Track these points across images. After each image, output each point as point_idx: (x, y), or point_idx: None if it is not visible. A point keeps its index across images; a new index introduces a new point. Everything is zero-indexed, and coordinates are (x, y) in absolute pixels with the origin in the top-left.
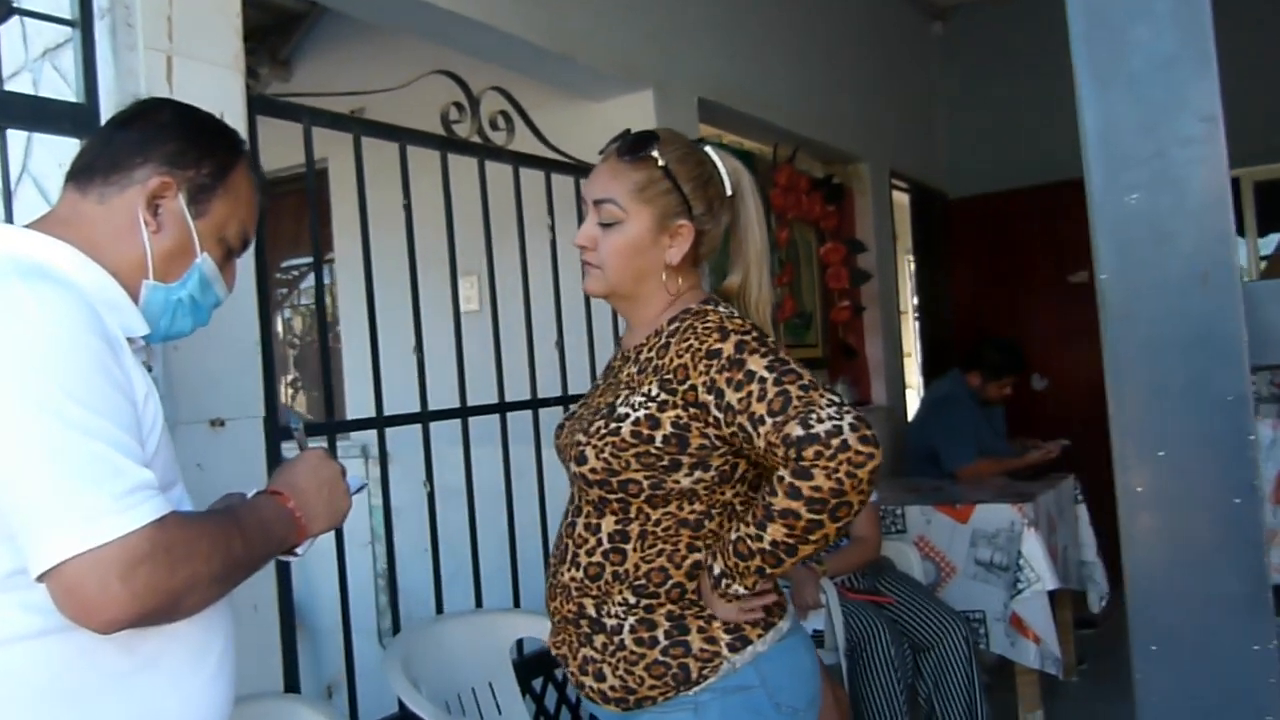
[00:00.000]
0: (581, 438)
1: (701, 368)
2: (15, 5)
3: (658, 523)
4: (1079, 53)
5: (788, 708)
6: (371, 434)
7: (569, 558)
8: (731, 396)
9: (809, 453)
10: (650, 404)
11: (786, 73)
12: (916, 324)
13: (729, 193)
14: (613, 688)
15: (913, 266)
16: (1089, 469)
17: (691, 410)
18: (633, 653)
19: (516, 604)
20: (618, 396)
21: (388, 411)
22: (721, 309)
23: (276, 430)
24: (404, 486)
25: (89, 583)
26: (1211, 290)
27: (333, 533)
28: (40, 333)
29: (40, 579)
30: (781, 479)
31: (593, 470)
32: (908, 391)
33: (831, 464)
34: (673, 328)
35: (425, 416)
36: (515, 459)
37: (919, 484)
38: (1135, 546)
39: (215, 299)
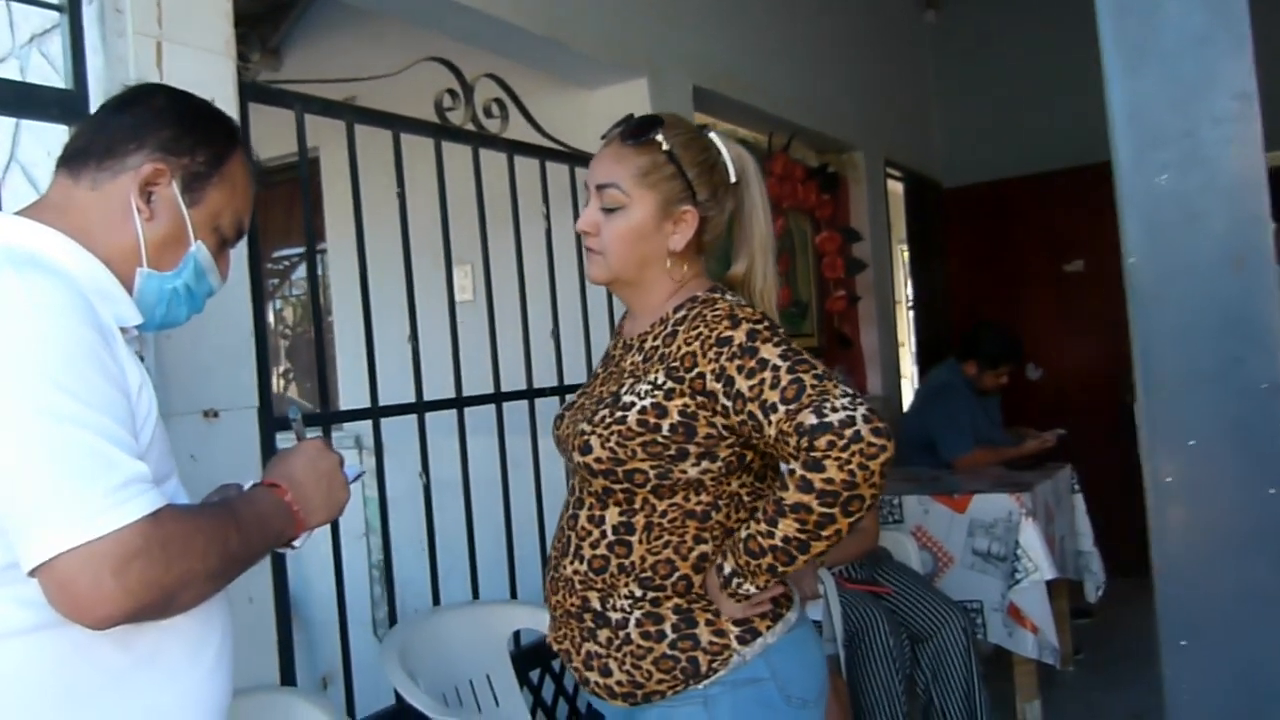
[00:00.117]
0: (586, 427)
1: (711, 355)
2: None
3: (664, 514)
4: (1106, 29)
5: (798, 699)
6: (366, 425)
7: (571, 550)
8: (742, 384)
9: (821, 442)
10: (657, 392)
11: (781, 61)
12: (911, 314)
13: (733, 179)
14: (619, 683)
15: (907, 256)
16: (1085, 458)
17: (699, 399)
18: (639, 647)
19: (513, 595)
20: (622, 385)
21: (382, 402)
22: (730, 297)
23: (271, 421)
24: (399, 477)
25: (81, 578)
26: (1245, 274)
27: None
28: (31, 323)
29: (32, 574)
30: (793, 472)
31: (598, 460)
32: (902, 381)
33: (844, 455)
34: (679, 315)
35: (420, 407)
36: (511, 449)
37: (916, 473)
38: (1165, 539)
39: (210, 288)
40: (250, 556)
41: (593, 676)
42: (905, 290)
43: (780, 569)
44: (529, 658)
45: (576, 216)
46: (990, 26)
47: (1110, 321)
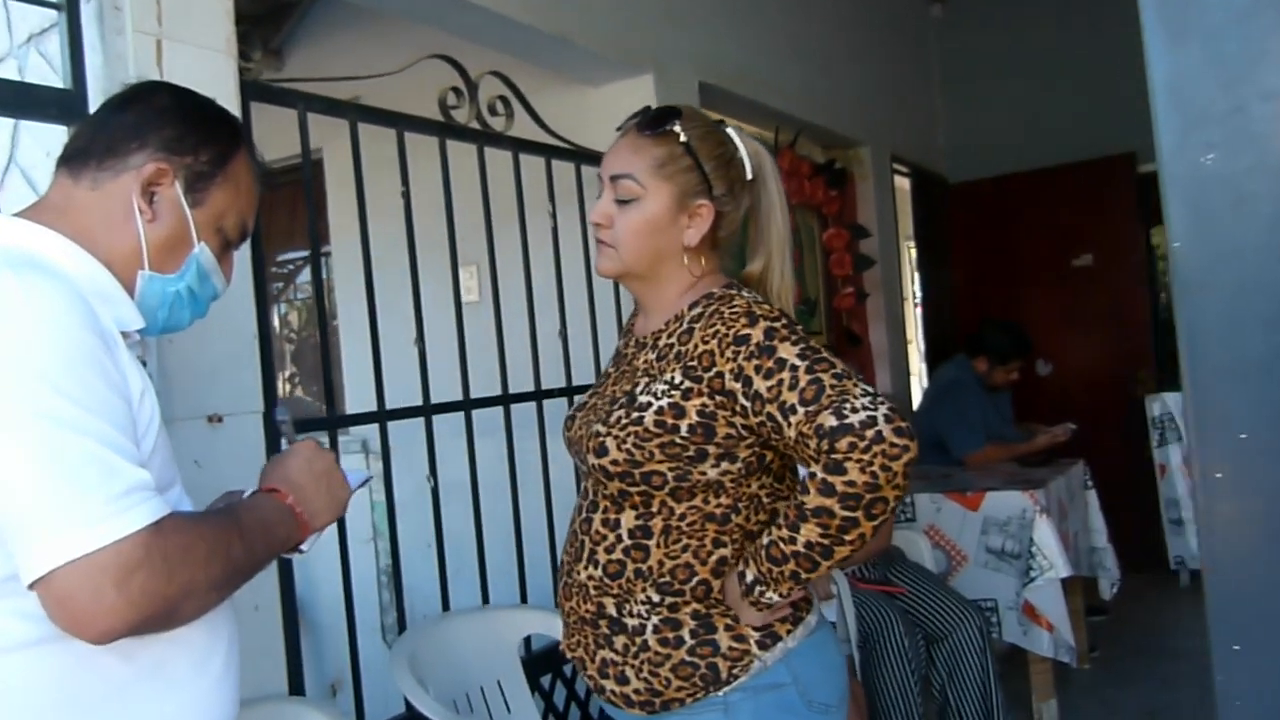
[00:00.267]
0: (601, 428)
1: (729, 354)
2: None
3: (682, 517)
4: (1147, 4)
5: (820, 704)
6: (372, 428)
7: (585, 555)
8: (760, 384)
9: (842, 444)
10: (674, 392)
11: (787, 57)
12: (918, 310)
13: (749, 176)
14: (637, 691)
15: (914, 253)
16: (1093, 454)
17: (718, 398)
18: (657, 653)
19: (523, 599)
20: (636, 384)
21: (388, 405)
22: (747, 294)
23: (276, 425)
24: (407, 481)
25: (82, 592)
26: None
27: (335, 529)
28: (31, 327)
29: (31, 587)
30: (813, 475)
31: (614, 462)
32: (910, 379)
33: (866, 456)
34: (695, 312)
35: (427, 410)
36: (519, 451)
37: (928, 471)
38: (1215, 538)
39: (214, 291)
40: (254, 564)
41: (608, 684)
42: (913, 287)
43: (804, 575)
44: (540, 663)
45: (583, 215)
46: (996, 21)
47: (1119, 316)
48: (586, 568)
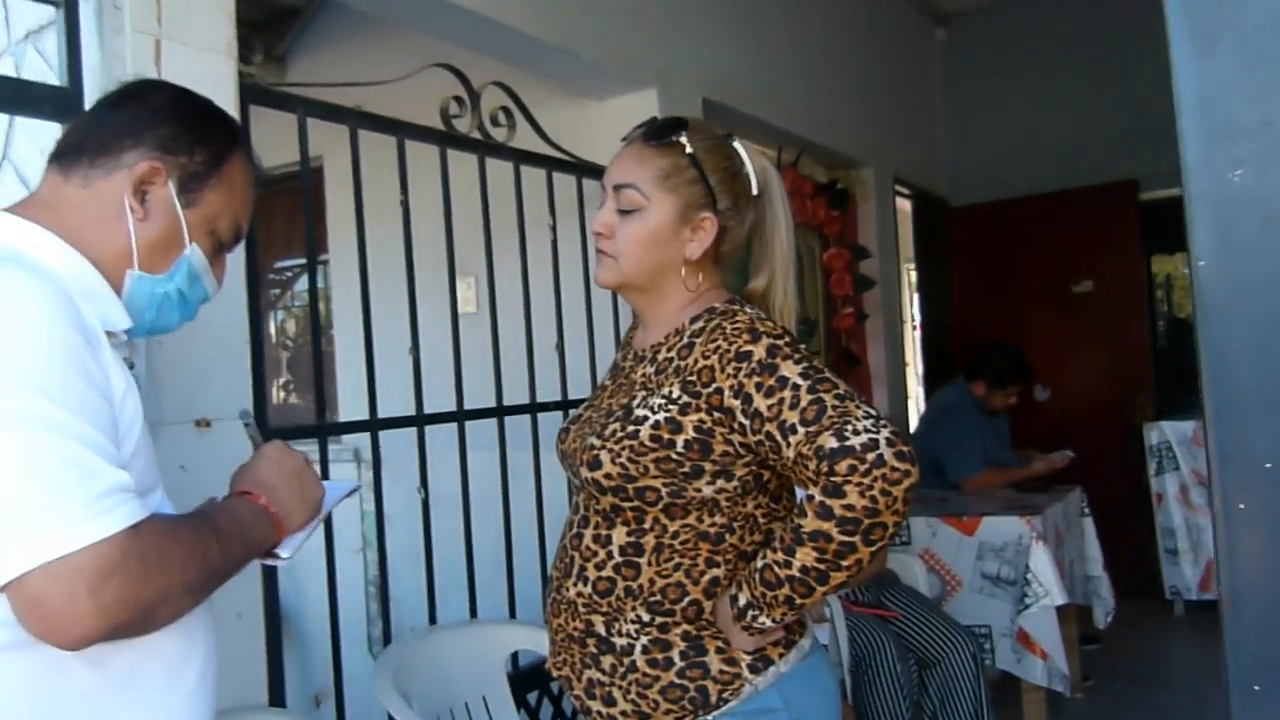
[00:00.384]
0: (595, 441)
1: (730, 370)
2: None
3: (675, 535)
4: (1175, 11)
5: None
6: (364, 437)
7: (575, 571)
8: (760, 403)
9: (842, 466)
10: (671, 406)
11: (790, 75)
12: (916, 333)
13: (755, 191)
14: (624, 713)
15: (914, 275)
16: (1090, 481)
17: (716, 415)
18: (645, 675)
19: (512, 615)
20: (633, 398)
21: (382, 414)
22: (750, 310)
23: (265, 431)
24: (397, 492)
25: (55, 596)
26: None
27: (322, 539)
28: (11, 324)
29: (3, 590)
30: (811, 498)
31: (607, 476)
32: (908, 402)
33: (866, 480)
34: (696, 327)
35: (420, 420)
36: (513, 464)
37: (924, 495)
38: (1236, 572)
39: (204, 294)
40: (230, 568)
41: (595, 705)
42: (912, 309)
43: (798, 601)
44: (527, 680)
45: (583, 228)
46: (1000, 45)
47: (1118, 343)
48: (576, 584)
